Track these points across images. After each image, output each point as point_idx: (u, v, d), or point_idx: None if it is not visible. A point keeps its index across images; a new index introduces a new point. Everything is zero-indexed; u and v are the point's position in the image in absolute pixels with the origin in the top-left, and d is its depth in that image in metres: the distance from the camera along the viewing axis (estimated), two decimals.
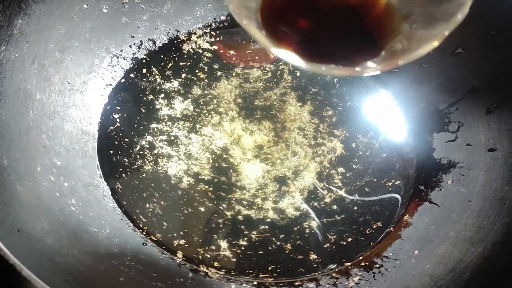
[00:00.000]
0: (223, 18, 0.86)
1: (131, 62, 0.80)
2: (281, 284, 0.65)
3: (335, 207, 0.71)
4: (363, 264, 0.67)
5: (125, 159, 0.72)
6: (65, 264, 0.53)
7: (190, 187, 0.71)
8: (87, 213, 0.64)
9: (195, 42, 0.84)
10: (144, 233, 0.67)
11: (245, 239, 0.68)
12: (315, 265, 0.67)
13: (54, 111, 0.69)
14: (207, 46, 0.84)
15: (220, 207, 0.70)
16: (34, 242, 0.52)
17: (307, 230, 0.69)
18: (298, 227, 0.69)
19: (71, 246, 0.56)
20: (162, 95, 0.78)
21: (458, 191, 0.70)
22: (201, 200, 0.70)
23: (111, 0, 0.76)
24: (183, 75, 0.80)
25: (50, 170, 0.64)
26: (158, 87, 0.79)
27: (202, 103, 0.78)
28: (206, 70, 0.81)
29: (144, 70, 0.80)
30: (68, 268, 0.53)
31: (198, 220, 0.68)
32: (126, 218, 0.67)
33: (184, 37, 0.85)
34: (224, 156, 0.74)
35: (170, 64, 0.81)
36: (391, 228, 0.71)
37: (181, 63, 0.82)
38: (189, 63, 0.82)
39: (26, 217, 0.54)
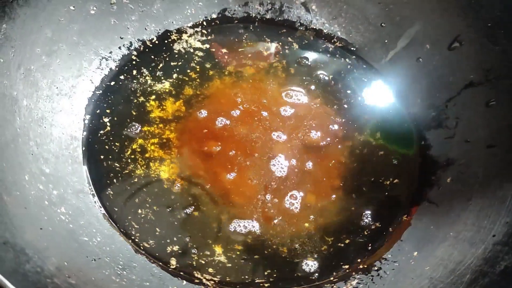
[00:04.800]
0: (214, 16, 0.85)
1: (121, 64, 0.79)
2: None
3: (332, 208, 0.70)
4: (361, 267, 0.66)
5: (116, 164, 0.70)
6: (53, 277, 0.51)
7: (184, 191, 0.69)
8: (77, 221, 0.62)
9: (186, 41, 0.83)
10: (136, 240, 0.65)
11: (241, 243, 0.66)
12: (312, 269, 0.65)
13: (42, 117, 0.67)
14: (198, 45, 0.82)
15: (215, 211, 0.68)
16: (21, 255, 0.51)
17: (304, 233, 0.68)
18: (295, 229, 0.68)
19: (60, 257, 0.55)
20: (153, 96, 0.76)
21: (457, 190, 0.68)
22: (195, 204, 0.68)
23: (99, 1, 0.74)
24: (175, 76, 0.79)
25: (38, 178, 0.62)
26: (149, 89, 0.77)
27: (194, 104, 0.76)
28: (198, 69, 0.80)
29: (134, 72, 0.78)
30: (56, 281, 0.51)
31: (192, 225, 0.67)
32: (118, 226, 0.66)
33: (175, 36, 0.83)
34: (218, 158, 0.72)
35: (161, 65, 0.80)
36: (390, 229, 0.69)
37: (172, 63, 0.80)
38: (180, 63, 0.80)
39: (12, 229, 0.53)
